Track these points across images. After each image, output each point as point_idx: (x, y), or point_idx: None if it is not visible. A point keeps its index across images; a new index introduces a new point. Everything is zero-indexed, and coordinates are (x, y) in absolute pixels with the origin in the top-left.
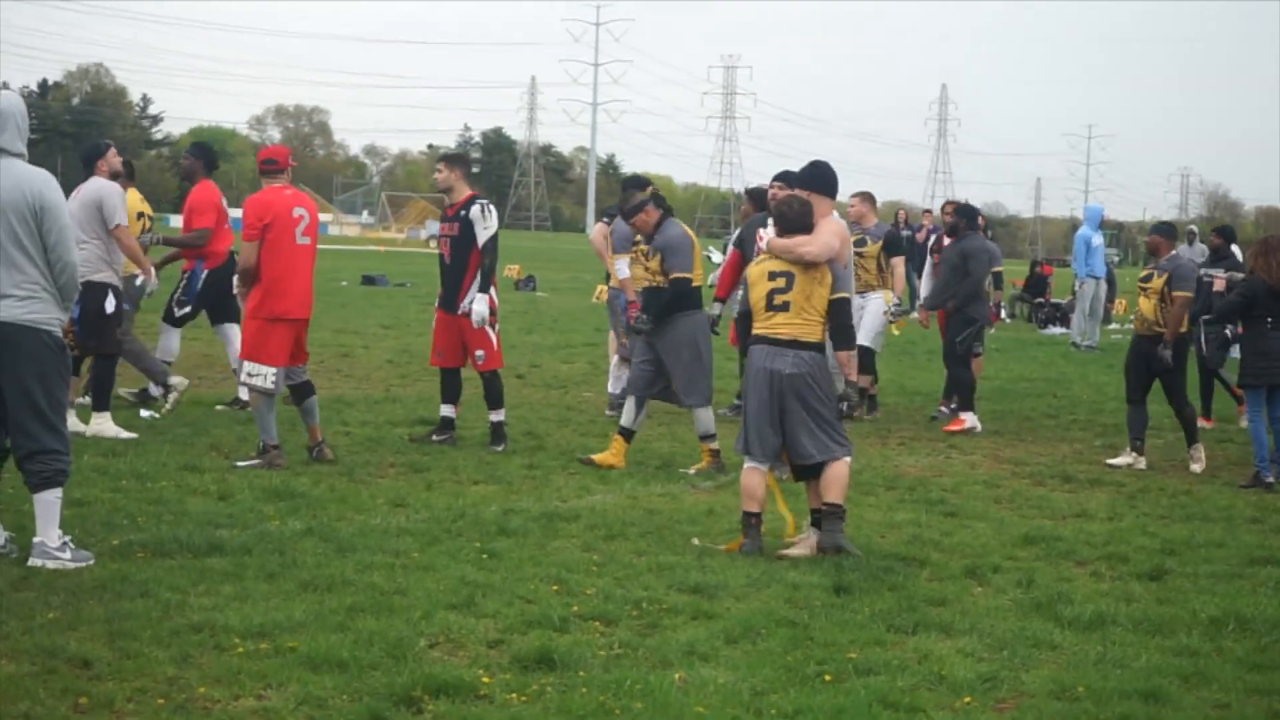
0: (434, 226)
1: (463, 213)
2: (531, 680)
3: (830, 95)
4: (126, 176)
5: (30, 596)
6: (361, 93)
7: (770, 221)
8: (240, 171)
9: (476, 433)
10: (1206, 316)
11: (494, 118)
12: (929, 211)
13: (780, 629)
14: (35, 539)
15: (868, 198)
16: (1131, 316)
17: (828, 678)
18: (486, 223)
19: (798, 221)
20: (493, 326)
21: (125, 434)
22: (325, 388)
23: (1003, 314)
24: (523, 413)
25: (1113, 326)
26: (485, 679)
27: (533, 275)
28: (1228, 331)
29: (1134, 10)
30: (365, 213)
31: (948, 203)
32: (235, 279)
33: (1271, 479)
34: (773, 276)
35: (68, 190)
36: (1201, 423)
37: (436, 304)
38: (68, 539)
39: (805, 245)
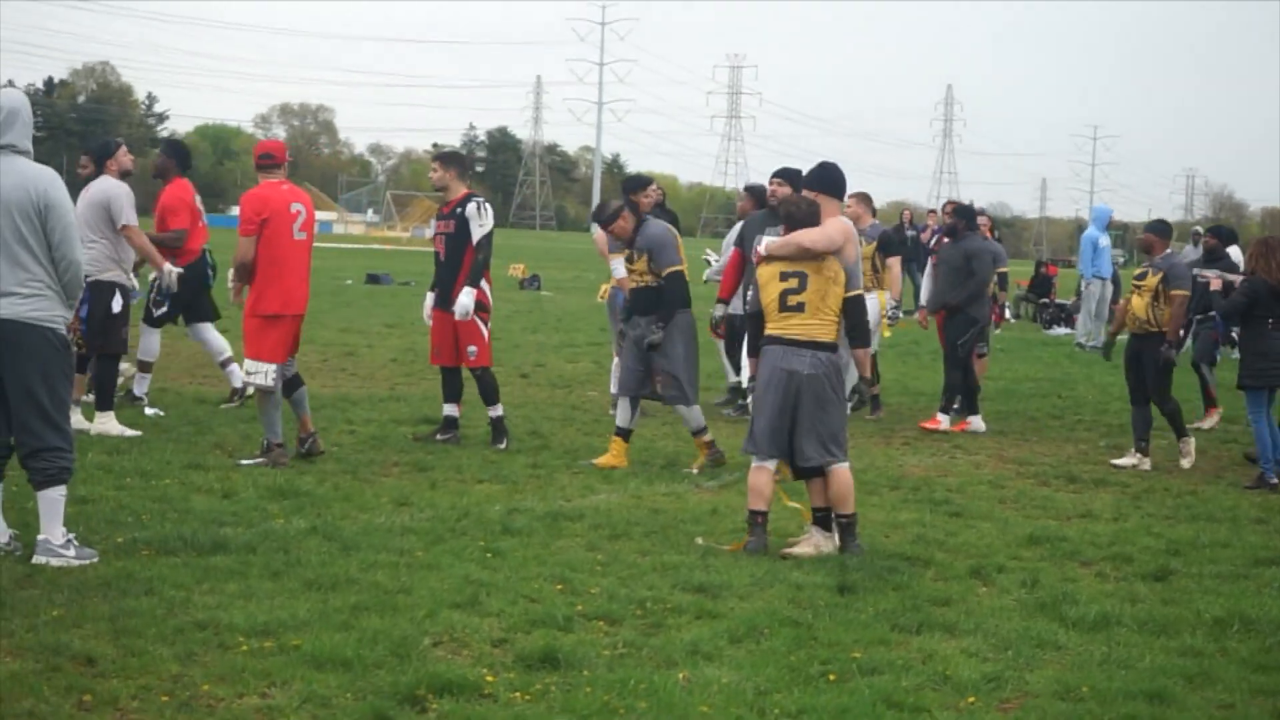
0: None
1: (459, 210)
2: (536, 679)
3: (835, 95)
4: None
5: (34, 594)
6: (367, 91)
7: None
8: (245, 170)
9: (480, 431)
10: (1199, 316)
11: (499, 117)
12: (934, 212)
13: (784, 629)
14: (39, 536)
15: (863, 198)
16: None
17: (832, 677)
18: (482, 220)
19: (806, 222)
20: (484, 322)
21: (129, 432)
22: (330, 386)
23: (1007, 314)
24: (527, 412)
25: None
26: (489, 678)
27: (537, 274)
28: (1234, 335)
29: (1140, 10)
30: (370, 211)
31: (948, 202)
32: (230, 273)
33: (1275, 480)
34: (785, 277)
35: (73, 188)
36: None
37: (432, 302)
38: (72, 536)
39: (803, 235)
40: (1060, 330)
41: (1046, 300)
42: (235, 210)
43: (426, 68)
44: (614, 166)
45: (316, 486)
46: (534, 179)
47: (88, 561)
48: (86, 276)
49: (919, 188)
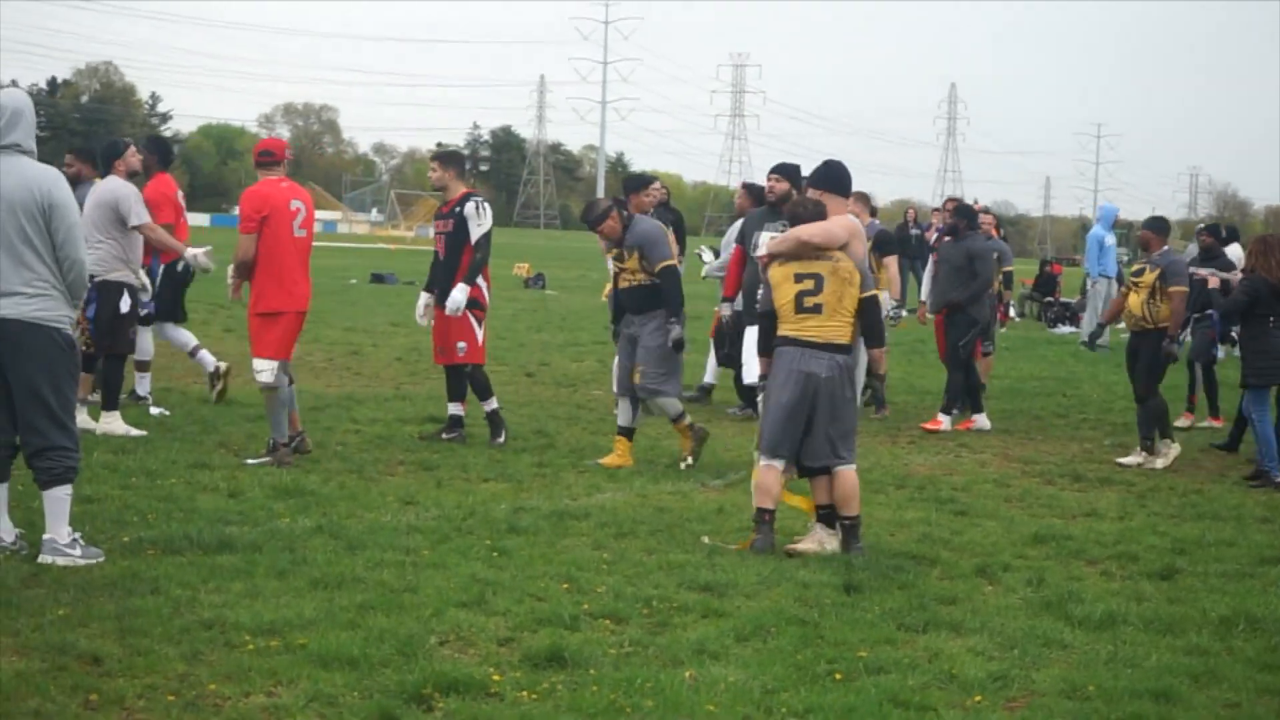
0: None
1: (457, 210)
2: (542, 678)
3: (839, 94)
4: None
5: (40, 593)
6: (370, 91)
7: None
8: (248, 169)
9: (486, 430)
10: (1196, 315)
11: (503, 116)
12: (939, 210)
13: (790, 627)
14: (45, 536)
15: (861, 198)
16: None
17: (838, 676)
18: (480, 220)
19: (811, 221)
20: (479, 321)
21: (135, 432)
22: (335, 385)
23: (1012, 313)
24: (532, 411)
25: (1121, 326)
26: (496, 677)
27: (542, 273)
28: (1232, 335)
29: (1144, 9)
30: (374, 211)
31: (949, 200)
32: (230, 270)
33: None
34: (800, 278)
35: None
36: (1211, 422)
37: (426, 303)
38: (77, 535)
39: (804, 229)
40: (1065, 329)
41: (1051, 299)
42: (238, 210)
43: (430, 67)
44: (618, 165)
45: (322, 485)
46: (538, 178)
47: (93, 561)
48: (94, 277)
49: (923, 186)
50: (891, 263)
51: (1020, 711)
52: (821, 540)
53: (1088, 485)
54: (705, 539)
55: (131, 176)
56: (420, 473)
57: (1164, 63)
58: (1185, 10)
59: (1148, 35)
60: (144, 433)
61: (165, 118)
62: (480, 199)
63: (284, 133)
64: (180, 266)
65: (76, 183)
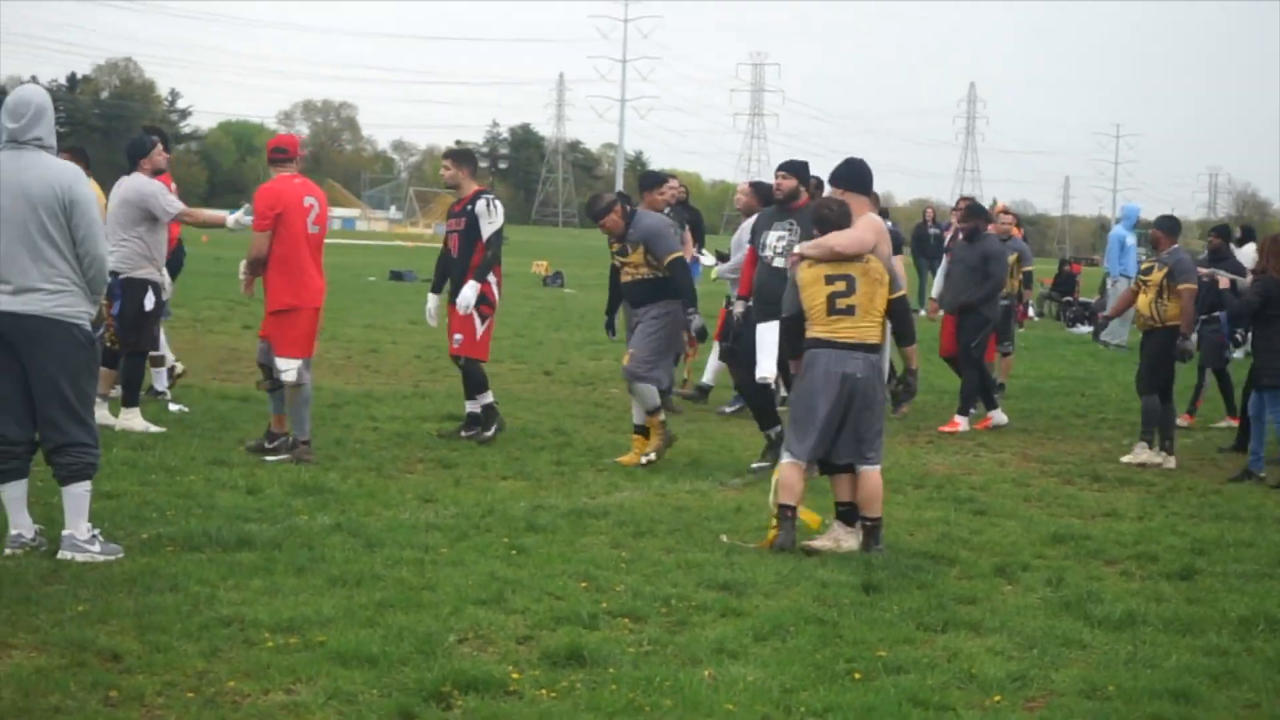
0: None
1: (469, 207)
2: (561, 677)
3: (858, 93)
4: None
5: (60, 589)
6: (389, 88)
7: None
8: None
9: (507, 428)
10: (1204, 316)
11: (522, 114)
12: (956, 209)
13: (809, 627)
14: (64, 532)
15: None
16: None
17: (857, 675)
18: (491, 218)
19: (837, 224)
20: (484, 317)
21: (154, 428)
22: (354, 383)
23: (1031, 312)
24: (550, 409)
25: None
26: (515, 675)
27: (560, 271)
28: (1237, 336)
29: (1163, 9)
30: (393, 208)
31: (962, 199)
32: (242, 266)
33: None
34: (831, 280)
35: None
36: (1230, 422)
37: (435, 304)
38: (96, 532)
39: (835, 238)
40: (1083, 328)
41: (1070, 298)
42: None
43: (449, 64)
44: (637, 164)
45: (341, 483)
46: (557, 176)
47: (113, 557)
48: (118, 274)
49: (941, 186)
50: (898, 261)
51: (1039, 711)
52: (838, 538)
53: (1107, 485)
54: (724, 538)
55: (156, 174)
56: (439, 470)
57: (1184, 62)
58: (1205, 10)
59: (1167, 34)
60: (163, 429)
61: (185, 114)
62: (491, 197)
63: (303, 129)
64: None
65: None
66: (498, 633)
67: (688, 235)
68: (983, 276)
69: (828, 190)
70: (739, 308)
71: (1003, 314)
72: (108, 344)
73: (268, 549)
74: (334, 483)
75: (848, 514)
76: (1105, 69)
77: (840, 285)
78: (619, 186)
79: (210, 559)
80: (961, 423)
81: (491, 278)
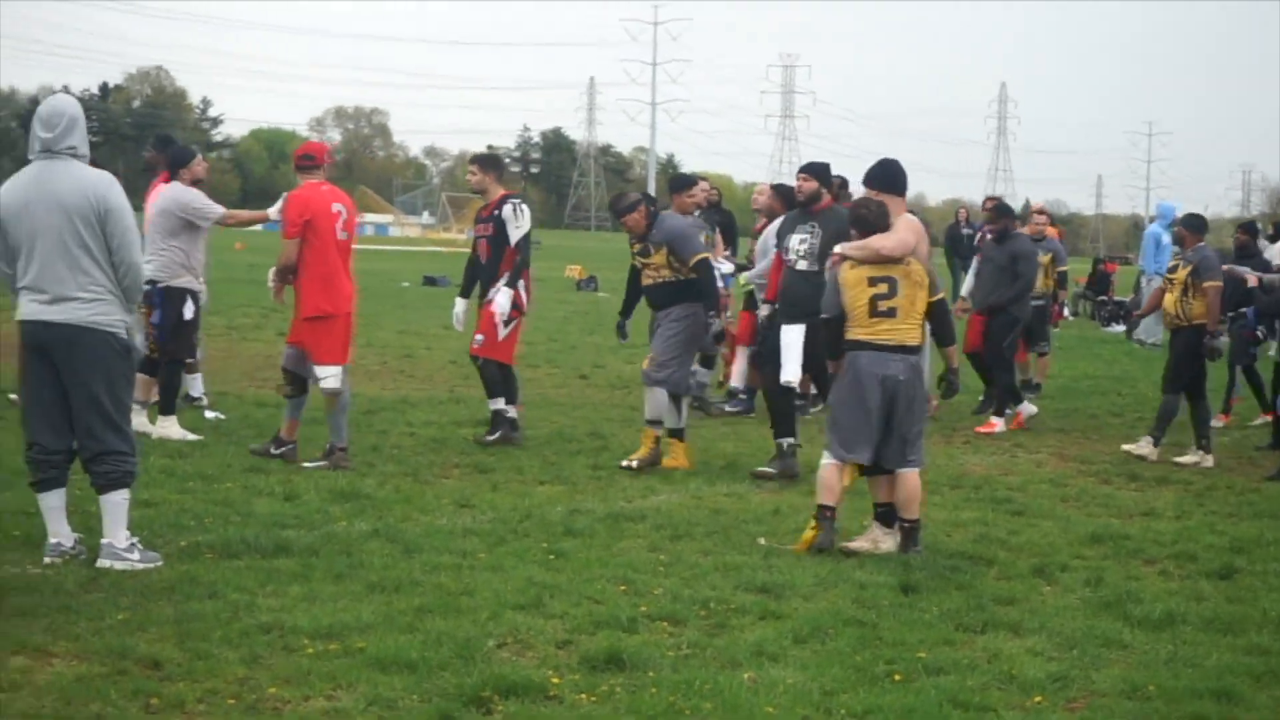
0: None
1: (496, 213)
2: (600, 680)
3: (889, 93)
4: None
5: (100, 598)
6: (421, 94)
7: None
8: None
9: (541, 433)
10: (1231, 314)
11: (553, 118)
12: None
13: (848, 629)
14: (103, 540)
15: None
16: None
17: (897, 677)
18: (519, 222)
19: (877, 224)
20: (508, 321)
21: (190, 436)
22: (389, 389)
23: (1066, 312)
24: (586, 413)
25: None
26: (554, 679)
27: (594, 276)
28: (1259, 331)
29: (1195, 7)
30: (426, 214)
31: (989, 199)
32: (271, 273)
33: None
34: (874, 282)
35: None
36: (1265, 418)
37: (463, 309)
38: (135, 540)
39: (880, 241)
40: (1118, 327)
41: (1105, 298)
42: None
43: (480, 69)
44: (668, 167)
45: (378, 489)
46: (588, 180)
47: (152, 565)
48: (158, 283)
49: (974, 186)
50: None
51: (1080, 712)
52: (876, 539)
53: (1144, 484)
54: (761, 540)
55: (195, 184)
56: (475, 475)
57: (1216, 59)
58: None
59: (1199, 32)
60: (200, 437)
61: (216, 121)
62: (517, 201)
63: (335, 136)
64: None
65: None
66: (536, 637)
67: (718, 238)
68: (1012, 276)
69: (861, 191)
70: (764, 311)
71: (1037, 314)
72: (149, 352)
73: (306, 555)
74: (371, 489)
75: (886, 515)
76: (1137, 67)
77: (883, 288)
78: (650, 189)
79: (249, 566)
80: (998, 424)
81: (520, 282)
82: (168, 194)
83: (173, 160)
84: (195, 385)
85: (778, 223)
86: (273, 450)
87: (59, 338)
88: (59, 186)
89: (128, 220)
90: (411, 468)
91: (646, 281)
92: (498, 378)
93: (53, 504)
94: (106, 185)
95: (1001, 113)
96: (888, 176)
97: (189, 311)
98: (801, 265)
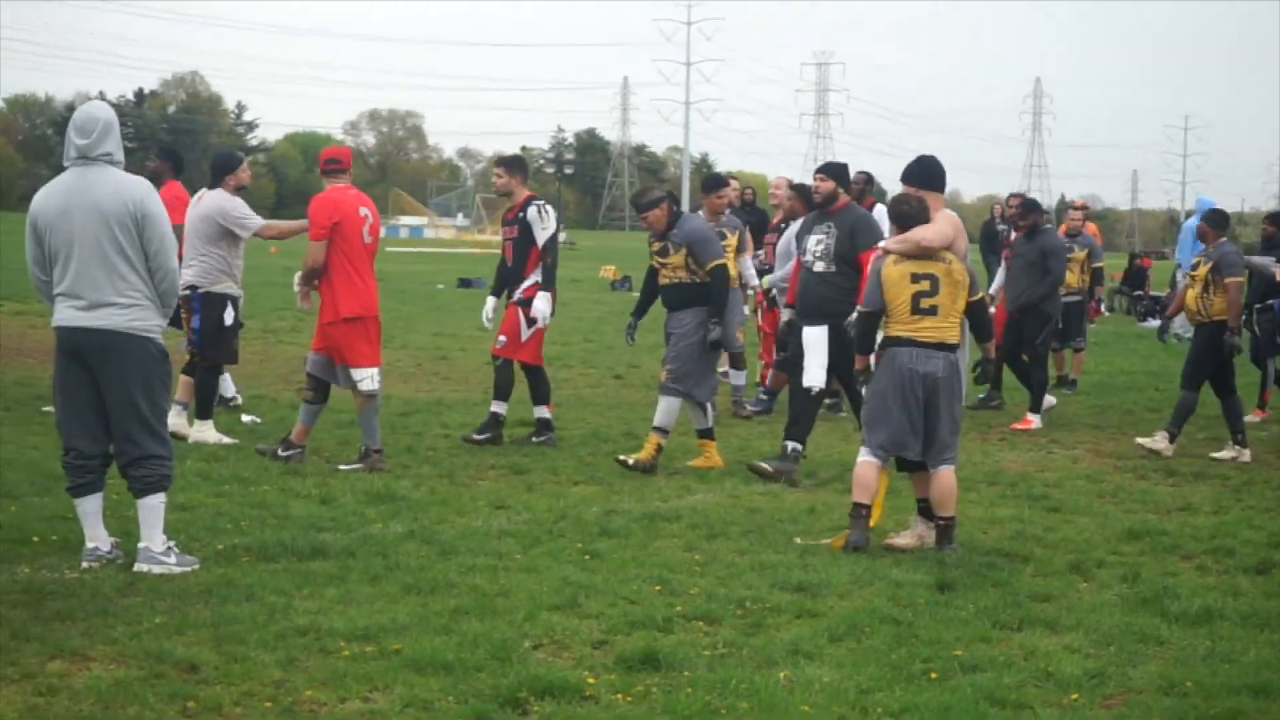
0: None
1: (521, 215)
2: (636, 681)
3: (923, 90)
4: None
5: (137, 602)
6: (455, 96)
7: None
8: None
9: (576, 433)
10: (1258, 306)
11: (587, 118)
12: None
13: (884, 627)
14: (140, 544)
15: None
16: None
17: (933, 675)
18: (544, 223)
19: (917, 219)
20: (531, 322)
21: (227, 440)
22: (424, 390)
23: (1103, 308)
24: (622, 413)
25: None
26: (590, 680)
27: (629, 276)
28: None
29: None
30: (460, 215)
31: (1013, 196)
32: (297, 277)
33: None
34: (916, 279)
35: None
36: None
37: (496, 303)
38: (172, 544)
39: (920, 232)
40: (1154, 322)
41: (1141, 293)
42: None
43: (514, 70)
44: (702, 166)
45: (413, 491)
46: (622, 180)
47: (188, 569)
48: (197, 288)
49: (1009, 182)
50: None
51: (1118, 709)
52: (921, 535)
53: (1181, 480)
54: (797, 540)
55: (239, 191)
56: (511, 477)
57: (1252, 52)
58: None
59: (1235, 24)
60: (236, 440)
61: (251, 126)
62: (542, 203)
63: (369, 139)
64: None
65: None
66: (572, 638)
67: (747, 236)
68: (1042, 272)
69: (900, 188)
70: (785, 316)
71: (1074, 310)
72: (190, 357)
73: (342, 558)
74: (406, 490)
75: (929, 510)
76: (1173, 61)
77: (925, 285)
78: (685, 189)
79: (285, 569)
80: (1034, 420)
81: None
82: (210, 200)
83: (217, 165)
84: (227, 386)
85: (796, 225)
86: (280, 453)
87: (97, 344)
88: (97, 193)
89: (165, 226)
90: (447, 469)
91: (663, 281)
92: (509, 382)
93: (90, 509)
94: (144, 191)
95: (1036, 108)
96: (926, 173)
97: (229, 317)
98: (819, 267)
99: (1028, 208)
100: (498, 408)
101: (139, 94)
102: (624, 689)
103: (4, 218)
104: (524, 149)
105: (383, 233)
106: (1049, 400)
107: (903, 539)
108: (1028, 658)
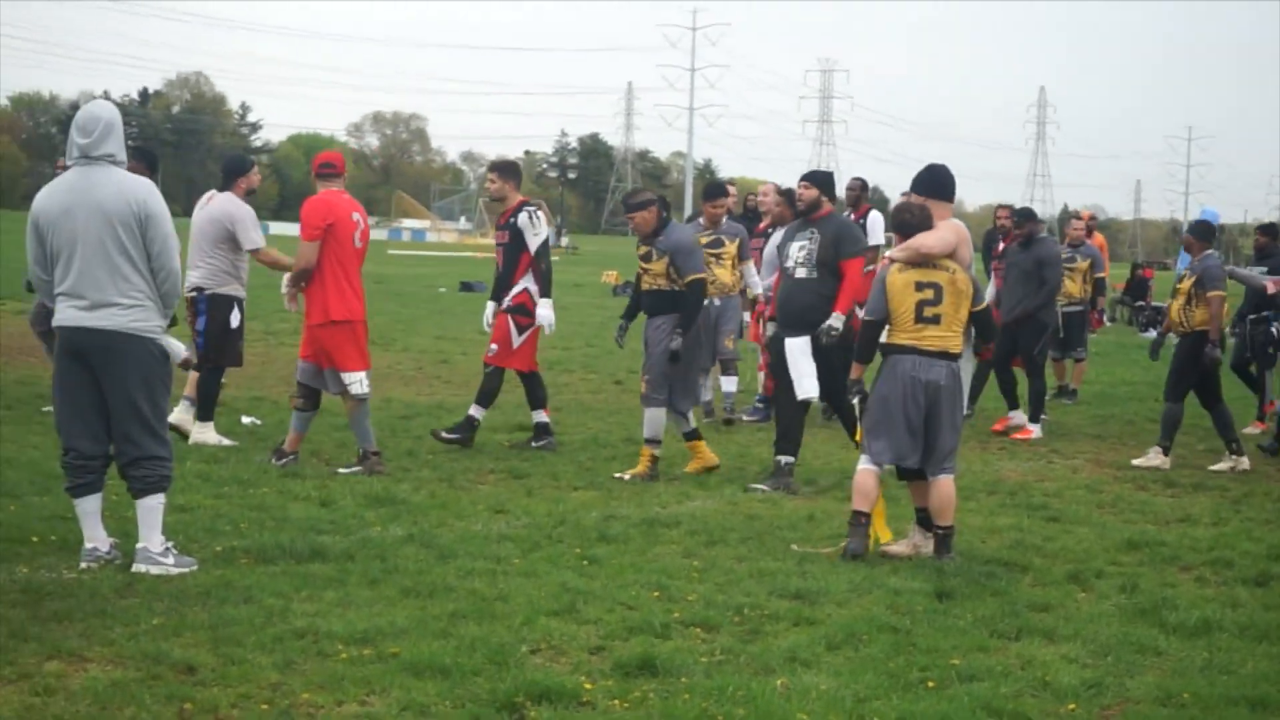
0: None
1: (512, 220)
2: (634, 687)
3: (927, 98)
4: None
5: (135, 603)
6: (458, 99)
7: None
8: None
9: (576, 438)
10: (1252, 316)
11: (591, 123)
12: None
13: (882, 635)
14: (139, 545)
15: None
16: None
17: (931, 684)
18: (535, 229)
19: (919, 228)
20: (521, 328)
21: (226, 441)
22: (425, 394)
23: (1104, 318)
24: (622, 419)
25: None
26: (587, 685)
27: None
28: (1274, 330)
29: (1234, 9)
30: (463, 219)
31: (1000, 208)
32: (286, 279)
33: None
34: (920, 288)
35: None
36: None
37: (496, 308)
38: (171, 544)
39: (921, 239)
40: (1154, 333)
41: (1143, 303)
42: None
43: (518, 75)
44: (706, 172)
45: (413, 494)
46: (626, 185)
47: (187, 570)
48: (204, 290)
49: (1012, 191)
50: None
51: (1115, 719)
52: (917, 544)
53: (1181, 491)
54: (795, 547)
55: (248, 195)
56: (510, 481)
57: (1256, 63)
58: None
59: (1239, 35)
60: (235, 443)
61: (255, 127)
62: (533, 209)
63: (373, 141)
64: None
65: None
66: (570, 643)
67: (749, 243)
68: (1039, 282)
69: (908, 197)
70: (770, 330)
71: (1075, 320)
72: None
73: (341, 561)
74: (406, 494)
75: (927, 519)
76: (1176, 71)
77: (928, 293)
78: (688, 194)
79: (284, 571)
80: (1034, 430)
81: (533, 288)
82: (220, 203)
83: (230, 169)
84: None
85: (780, 235)
86: (274, 461)
87: (99, 344)
88: (100, 193)
89: (167, 227)
90: (447, 473)
91: (644, 286)
92: (495, 389)
93: (88, 509)
94: (147, 191)
95: (1040, 117)
96: (935, 182)
97: (235, 319)
98: (801, 273)
99: (1024, 216)
100: (476, 412)
101: (143, 93)
102: (621, 695)
103: (7, 216)
104: (527, 153)
105: (385, 235)
106: (1020, 419)
107: (898, 547)
108: (1025, 667)
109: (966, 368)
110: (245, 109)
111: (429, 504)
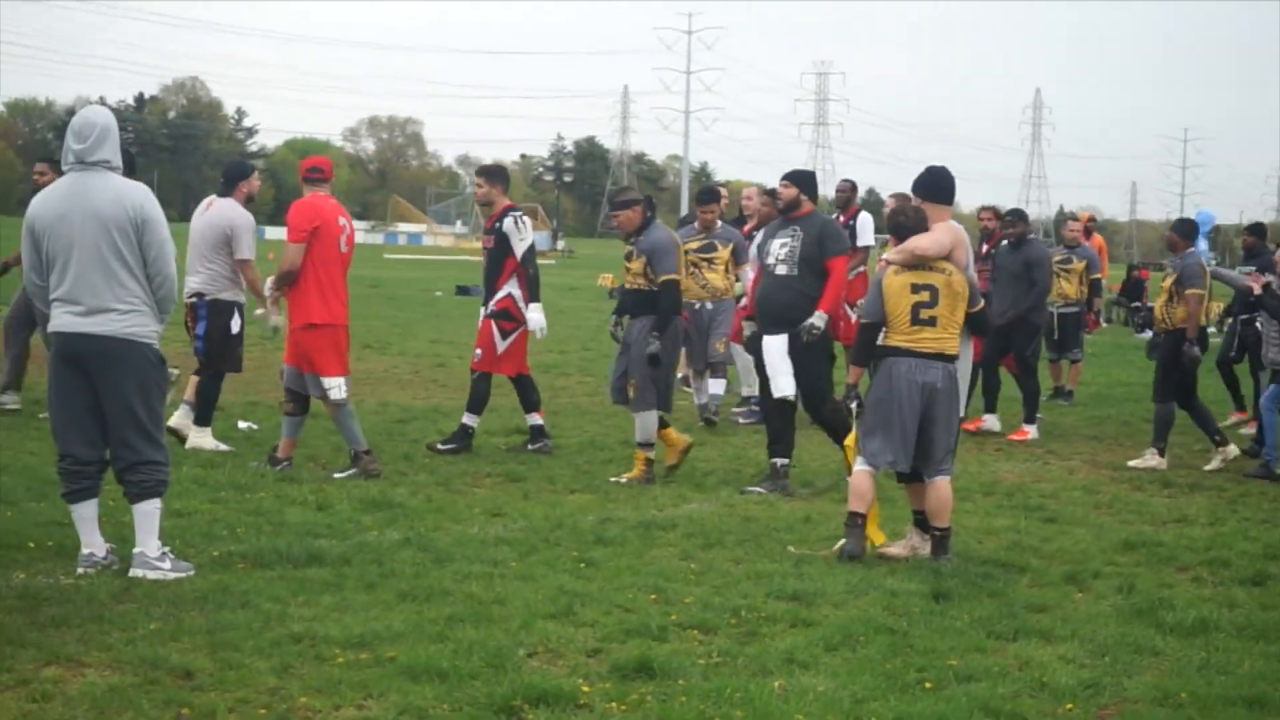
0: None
1: (498, 225)
2: (631, 689)
3: (923, 100)
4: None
5: (132, 608)
6: (454, 103)
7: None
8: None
9: (573, 441)
10: (1244, 317)
11: (587, 127)
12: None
13: (879, 636)
14: (135, 550)
15: (903, 198)
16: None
17: (928, 685)
18: (521, 235)
19: (915, 230)
20: (505, 333)
21: (223, 447)
22: (421, 398)
23: (1100, 319)
24: (618, 421)
25: (1210, 330)
26: (585, 688)
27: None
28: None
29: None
30: (459, 223)
31: (983, 209)
32: (270, 281)
33: None
34: (916, 289)
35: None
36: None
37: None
38: (167, 549)
39: (915, 241)
40: (1150, 333)
41: (1139, 304)
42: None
43: (513, 78)
44: (702, 175)
45: (410, 498)
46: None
47: (184, 575)
48: (204, 295)
49: (1008, 192)
50: None
51: (1112, 719)
52: (914, 546)
53: (1177, 491)
54: (792, 549)
55: (248, 201)
56: (507, 484)
57: (1251, 64)
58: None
59: (1235, 36)
60: (232, 447)
61: (251, 132)
62: (518, 214)
63: (369, 146)
64: None
65: None
66: (567, 646)
67: (744, 246)
68: (1028, 284)
69: (901, 200)
70: (747, 329)
71: (1071, 321)
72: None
73: (338, 565)
74: (403, 498)
75: (924, 521)
76: (1172, 72)
77: (924, 295)
78: (684, 198)
79: (281, 575)
80: (1030, 431)
81: (516, 293)
82: (220, 209)
83: (231, 174)
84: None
85: (761, 235)
86: (269, 463)
87: (95, 349)
88: (96, 198)
89: (164, 232)
90: (443, 477)
91: (626, 284)
92: (485, 395)
93: (85, 514)
94: (143, 196)
95: (1036, 119)
96: (934, 184)
97: (236, 325)
98: (781, 270)
99: (1016, 217)
100: (469, 420)
101: (139, 99)
102: (618, 697)
103: (3, 222)
104: (523, 156)
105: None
106: (994, 425)
107: (895, 548)
108: (1023, 668)
109: (965, 370)
110: (241, 114)
111: (425, 508)
